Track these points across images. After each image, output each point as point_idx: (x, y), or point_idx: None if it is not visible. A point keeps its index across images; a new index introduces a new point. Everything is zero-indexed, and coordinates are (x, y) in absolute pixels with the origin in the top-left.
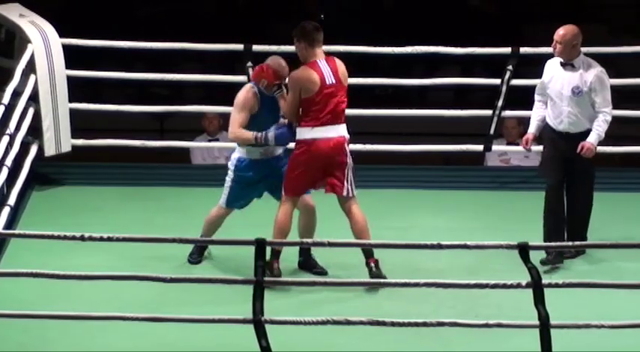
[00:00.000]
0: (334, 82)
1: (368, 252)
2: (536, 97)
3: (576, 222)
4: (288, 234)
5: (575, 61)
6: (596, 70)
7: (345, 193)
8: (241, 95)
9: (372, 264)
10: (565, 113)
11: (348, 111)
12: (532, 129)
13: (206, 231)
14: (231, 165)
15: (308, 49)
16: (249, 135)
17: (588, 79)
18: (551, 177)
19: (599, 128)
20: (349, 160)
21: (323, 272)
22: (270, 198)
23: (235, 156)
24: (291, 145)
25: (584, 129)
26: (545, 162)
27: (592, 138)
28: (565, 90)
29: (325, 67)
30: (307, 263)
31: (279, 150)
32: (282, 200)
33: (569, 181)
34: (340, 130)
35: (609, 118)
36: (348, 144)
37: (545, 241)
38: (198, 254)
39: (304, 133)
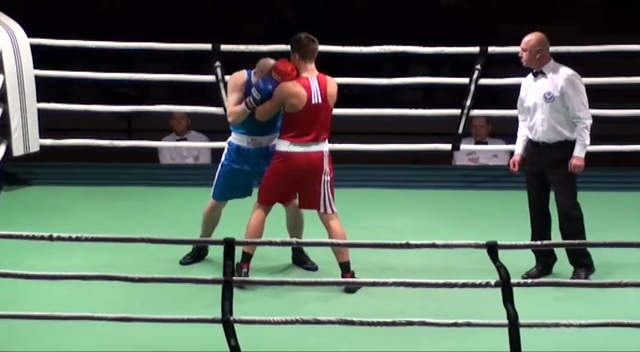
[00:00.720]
0: (320, 101)
1: (345, 266)
2: (519, 117)
3: (567, 232)
4: (259, 235)
5: (545, 68)
6: (567, 74)
7: (322, 210)
8: (233, 79)
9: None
10: (539, 121)
11: None
12: (518, 149)
13: (202, 228)
14: (223, 155)
15: (300, 63)
16: (241, 106)
17: (559, 83)
18: (530, 193)
19: (580, 138)
20: (327, 177)
21: (313, 268)
22: None
23: (230, 140)
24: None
25: (561, 138)
26: (526, 176)
27: (577, 151)
28: (538, 98)
29: (314, 84)
30: (299, 258)
31: (271, 143)
32: (256, 206)
33: (554, 192)
34: (320, 146)
35: (588, 123)
36: (328, 160)
37: (535, 254)
38: (192, 256)
39: (283, 146)
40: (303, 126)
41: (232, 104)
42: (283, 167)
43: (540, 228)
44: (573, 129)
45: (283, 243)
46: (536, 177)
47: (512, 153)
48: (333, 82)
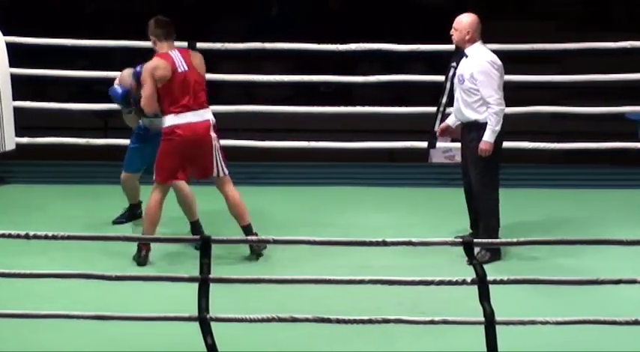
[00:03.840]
0: (187, 68)
1: (248, 229)
2: None
3: (478, 209)
4: (158, 223)
5: (468, 50)
6: (483, 60)
7: (215, 173)
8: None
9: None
10: (455, 100)
11: (293, 109)
12: (449, 119)
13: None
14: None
15: (158, 43)
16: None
17: (474, 68)
18: (462, 167)
19: (490, 123)
20: (216, 142)
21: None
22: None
23: (140, 123)
24: None
25: (466, 119)
26: None
27: (486, 136)
28: (457, 77)
29: (177, 55)
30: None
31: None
32: (154, 186)
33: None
34: (204, 115)
35: (497, 109)
36: (214, 128)
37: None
38: (124, 217)
39: (168, 121)
40: (177, 95)
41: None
42: (175, 141)
43: (470, 201)
44: (480, 113)
45: (260, 241)
46: (462, 155)
47: None
48: (197, 54)
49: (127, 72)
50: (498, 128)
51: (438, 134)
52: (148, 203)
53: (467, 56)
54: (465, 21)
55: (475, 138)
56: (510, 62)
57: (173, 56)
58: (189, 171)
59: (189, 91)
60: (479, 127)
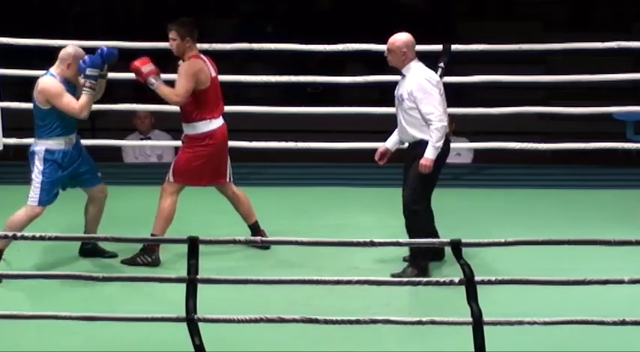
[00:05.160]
0: (215, 74)
1: (256, 226)
2: None
3: (407, 226)
4: (171, 221)
5: (405, 69)
6: (421, 77)
7: (228, 179)
8: (51, 87)
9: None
10: (398, 121)
11: (280, 109)
12: (387, 142)
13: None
14: (37, 159)
15: (192, 45)
16: (85, 95)
17: (411, 86)
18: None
19: (431, 139)
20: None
21: (114, 255)
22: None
23: (40, 148)
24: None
25: (415, 139)
26: None
27: (427, 153)
28: (397, 98)
29: (207, 60)
30: (96, 249)
31: (75, 139)
32: (171, 187)
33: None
34: (222, 119)
35: (439, 125)
36: None
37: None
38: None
39: (204, 126)
40: (213, 100)
41: (73, 102)
42: (210, 146)
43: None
44: (425, 131)
45: (247, 242)
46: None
47: (475, 151)
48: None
49: (76, 49)
50: (439, 144)
51: (376, 158)
52: (163, 203)
53: (404, 76)
54: (398, 41)
55: (417, 156)
56: (497, 63)
57: (205, 60)
58: (210, 178)
59: (220, 97)
60: (422, 145)
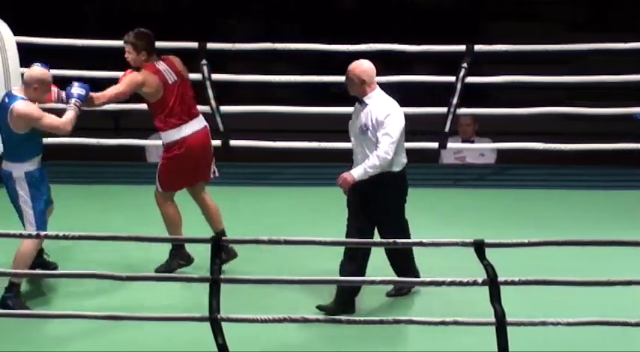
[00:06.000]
0: (176, 78)
1: (222, 233)
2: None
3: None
4: (181, 224)
5: (367, 98)
6: (385, 110)
7: (212, 176)
8: (29, 110)
9: None
10: (356, 152)
11: (304, 109)
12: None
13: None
14: (19, 186)
15: (148, 57)
16: (71, 112)
17: (377, 114)
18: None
19: (367, 162)
20: (212, 148)
21: (57, 266)
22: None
23: (19, 173)
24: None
25: (380, 171)
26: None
27: (355, 171)
28: (355, 127)
29: (162, 66)
30: (44, 262)
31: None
32: (163, 196)
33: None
34: (202, 121)
35: (383, 155)
36: (209, 132)
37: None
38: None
39: (174, 134)
40: (177, 107)
41: (56, 120)
42: (183, 154)
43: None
44: (390, 163)
45: (270, 242)
46: (354, 205)
47: (499, 151)
48: (175, 58)
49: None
50: (371, 172)
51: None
52: (164, 212)
53: (365, 104)
54: (357, 70)
55: (387, 186)
56: (520, 63)
57: (159, 67)
58: (193, 179)
59: (187, 101)
60: (388, 176)
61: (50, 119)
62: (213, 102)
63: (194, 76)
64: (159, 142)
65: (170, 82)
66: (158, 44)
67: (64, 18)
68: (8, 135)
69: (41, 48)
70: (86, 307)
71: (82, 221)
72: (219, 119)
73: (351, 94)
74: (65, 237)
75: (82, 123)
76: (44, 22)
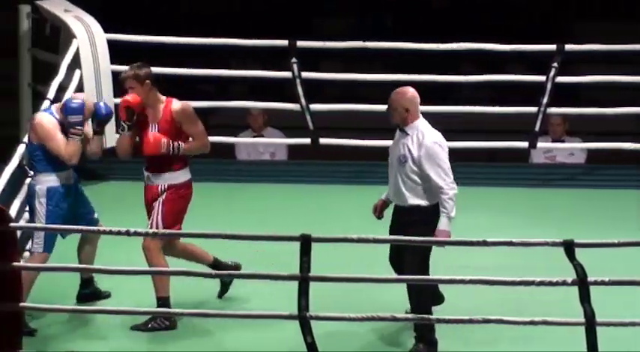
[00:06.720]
0: None
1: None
2: None
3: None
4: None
5: (408, 127)
6: (429, 141)
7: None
8: (44, 125)
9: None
10: (391, 181)
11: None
12: (384, 194)
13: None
14: (38, 201)
15: (152, 87)
16: (75, 142)
17: (417, 150)
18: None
19: (444, 210)
20: None
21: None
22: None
23: (42, 186)
24: None
25: (406, 203)
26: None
27: (442, 224)
28: (394, 156)
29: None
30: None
31: (74, 175)
32: (155, 247)
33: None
34: None
35: (452, 193)
36: None
37: None
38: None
39: (185, 175)
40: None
41: (62, 149)
42: (187, 195)
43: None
44: (424, 197)
45: (359, 240)
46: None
47: (589, 151)
48: None
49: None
50: (454, 214)
51: (372, 211)
52: (157, 264)
53: (407, 134)
54: (402, 98)
55: (417, 221)
56: (611, 63)
57: None
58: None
59: None
60: (420, 211)
61: (58, 144)
62: (302, 100)
63: (285, 75)
64: (248, 140)
65: None
66: (249, 42)
67: (156, 16)
68: (30, 145)
69: (132, 45)
70: (173, 303)
71: None
72: (308, 117)
73: (394, 122)
74: (155, 235)
75: None
76: (136, 20)
